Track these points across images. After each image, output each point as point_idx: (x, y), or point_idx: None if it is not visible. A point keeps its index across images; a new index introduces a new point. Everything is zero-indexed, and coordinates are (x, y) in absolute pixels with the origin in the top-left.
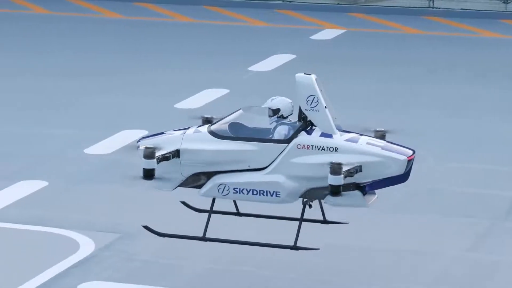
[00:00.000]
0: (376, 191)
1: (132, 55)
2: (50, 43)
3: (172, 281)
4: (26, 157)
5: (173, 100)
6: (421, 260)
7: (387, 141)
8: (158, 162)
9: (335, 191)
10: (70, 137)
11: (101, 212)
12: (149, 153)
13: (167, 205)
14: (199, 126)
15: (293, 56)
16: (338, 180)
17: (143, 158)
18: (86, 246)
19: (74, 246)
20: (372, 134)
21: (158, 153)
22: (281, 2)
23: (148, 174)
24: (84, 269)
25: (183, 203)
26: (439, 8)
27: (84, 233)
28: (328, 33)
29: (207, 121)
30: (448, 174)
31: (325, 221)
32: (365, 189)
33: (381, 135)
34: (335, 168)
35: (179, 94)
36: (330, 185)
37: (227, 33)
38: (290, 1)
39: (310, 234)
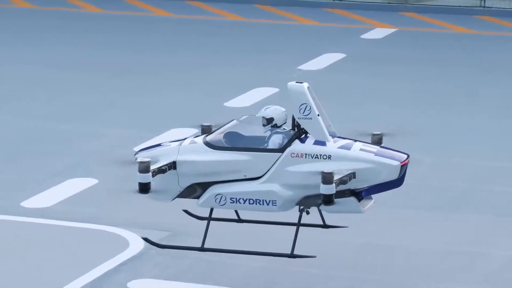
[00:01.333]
0: (374, 196)
1: (181, 53)
2: (100, 41)
3: (222, 279)
4: (76, 155)
5: (223, 98)
6: (472, 260)
7: (382, 146)
8: (154, 175)
9: (327, 200)
10: (120, 135)
11: (151, 209)
12: (144, 168)
13: None
14: (196, 136)
15: (343, 55)
16: (330, 189)
17: (138, 173)
18: (136, 243)
19: (124, 244)
20: (369, 138)
21: (154, 166)
22: (331, 1)
23: (144, 188)
24: (134, 266)
25: (185, 211)
26: (491, 7)
27: (134, 230)
28: (378, 32)
29: (207, 128)
30: (502, 174)
31: (325, 226)
32: (361, 194)
33: (378, 139)
34: (327, 177)
35: (229, 92)
36: (322, 194)
37: (278, 32)
38: (340, 0)
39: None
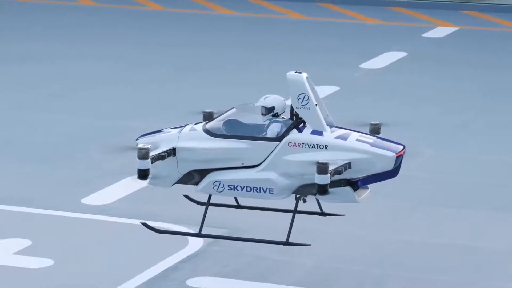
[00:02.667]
0: (371, 186)
1: (243, 52)
2: (161, 39)
3: (281, 277)
4: (134, 153)
5: (284, 96)
6: None
7: (378, 137)
8: (153, 162)
9: (322, 190)
10: None
11: (210, 207)
12: (143, 154)
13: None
14: (196, 123)
15: (404, 54)
16: (325, 179)
17: (137, 159)
18: (195, 241)
19: (183, 241)
20: (368, 127)
21: (153, 153)
22: None
23: (143, 174)
24: (193, 264)
25: (186, 196)
26: None
27: (193, 228)
28: (440, 31)
29: (208, 115)
30: None
31: (322, 213)
32: (357, 184)
33: (377, 128)
34: (322, 168)
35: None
36: (317, 184)
37: (340, 30)
38: None
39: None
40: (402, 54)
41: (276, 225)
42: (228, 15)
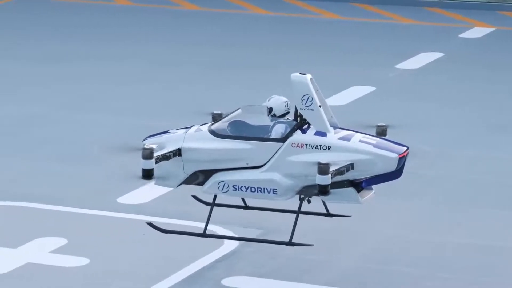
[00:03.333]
0: (375, 187)
1: (278, 52)
2: (197, 38)
3: (316, 278)
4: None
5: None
6: None
7: (382, 138)
8: (158, 162)
9: (323, 190)
10: None
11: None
12: (148, 154)
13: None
14: (202, 124)
15: (440, 55)
16: (326, 180)
17: (141, 159)
18: (230, 241)
19: (218, 241)
20: (374, 129)
21: (158, 153)
22: (429, 0)
23: (147, 174)
24: (228, 264)
25: (194, 197)
26: None
27: (228, 228)
28: (477, 32)
29: (217, 116)
30: None
31: (328, 214)
32: (361, 185)
33: (383, 130)
34: (323, 168)
35: (326, 90)
36: (318, 184)
37: (375, 30)
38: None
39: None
40: (439, 54)
41: (310, 227)
42: (262, 15)
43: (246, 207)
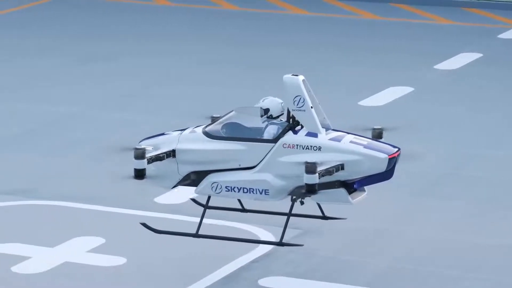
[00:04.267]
0: (367, 188)
1: (316, 52)
2: (238, 38)
3: (353, 278)
4: None
5: (358, 97)
6: None
7: (374, 139)
8: (150, 162)
9: (310, 189)
10: None
11: (282, 208)
12: (139, 154)
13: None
14: (197, 126)
15: (479, 55)
16: (313, 179)
17: (133, 159)
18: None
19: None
20: (370, 132)
21: (151, 154)
22: (468, 0)
23: (139, 174)
24: (265, 264)
25: (193, 200)
26: None
27: (265, 228)
28: None
29: (216, 120)
30: None
31: (324, 217)
32: (353, 186)
33: (378, 133)
34: (310, 167)
35: (364, 91)
36: (305, 184)
37: (414, 31)
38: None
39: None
40: (477, 55)
41: (345, 227)
42: (301, 15)
43: (243, 209)
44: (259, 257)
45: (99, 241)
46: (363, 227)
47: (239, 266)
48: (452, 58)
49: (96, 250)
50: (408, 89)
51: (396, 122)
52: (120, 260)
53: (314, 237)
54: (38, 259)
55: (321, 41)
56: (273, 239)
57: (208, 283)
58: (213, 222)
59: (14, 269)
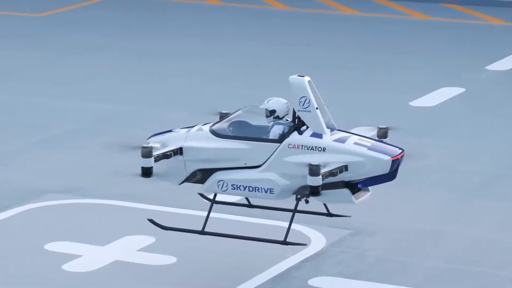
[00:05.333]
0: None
1: (368, 52)
2: (288, 38)
3: (404, 279)
4: None
5: (409, 97)
6: None
7: (379, 141)
8: (157, 160)
9: (314, 191)
10: None
11: (334, 208)
12: (147, 152)
13: (398, 203)
14: (204, 124)
15: None
16: (317, 181)
17: (141, 157)
18: (318, 241)
19: (305, 241)
20: (375, 131)
21: (158, 152)
22: None
23: (146, 172)
24: (315, 264)
25: (201, 195)
26: None
27: (316, 228)
28: None
29: (225, 116)
30: None
31: (329, 214)
32: (357, 186)
33: (384, 133)
34: (313, 170)
35: (415, 92)
36: (309, 186)
37: (466, 31)
38: None
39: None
40: None
41: (399, 226)
42: (352, 15)
43: (249, 205)
44: (309, 256)
45: (149, 240)
46: (414, 227)
47: (289, 265)
48: (504, 59)
49: (146, 249)
50: (459, 90)
51: (446, 122)
52: (170, 259)
53: (366, 237)
54: (89, 257)
55: (372, 41)
56: (323, 240)
57: (258, 283)
58: (260, 222)
59: (65, 267)
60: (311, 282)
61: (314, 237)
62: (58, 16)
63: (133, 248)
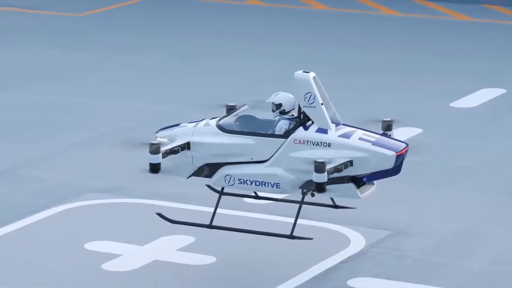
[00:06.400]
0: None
1: (408, 53)
2: (328, 38)
3: (445, 280)
4: None
5: (450, 98)
6: None
7: (383, 135)
8: (166, 156)
9: (319, 188)
10: None
11: (374, 208)
12: (155, 149)
13: (438, 204)
14: (212, 118)
15: None
16: (322, 177)
17: (149, 153)
18: (357, 242)
19: (345, 242)
20: (380, 124)
21: (166, 147)
22: None
23: (154, 168)
24: (354, 265)
25: (208, 186)
26: None
27: (355, 229)
28: None
29: (231, 109)
30: None
31: (335, 206)
32: (362, 180)
33: (388, 125)
34: (319, 167)
35: (456, 93)
36: (314, 182)
37: (506, 33)
38: None
39: None
40: None
41: (440, 227)
42: (392, 15)
43: (257, 196)
44: (348, 257)
45: (188, 240)
46: (454, 228)
47: (328, 266)
48: None
49: (185, 248)
50: (500, 91)
51: (486, 123)
52: (210, 259)
53: (405, 238)
54: (128, 257)
55: (412, 42)
56: (363, 241)
57: (297, 283)
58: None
59: (104, 266)
60: (350, 282)
61: (354, 237)
62: (99, 16)
63: (172, 247)
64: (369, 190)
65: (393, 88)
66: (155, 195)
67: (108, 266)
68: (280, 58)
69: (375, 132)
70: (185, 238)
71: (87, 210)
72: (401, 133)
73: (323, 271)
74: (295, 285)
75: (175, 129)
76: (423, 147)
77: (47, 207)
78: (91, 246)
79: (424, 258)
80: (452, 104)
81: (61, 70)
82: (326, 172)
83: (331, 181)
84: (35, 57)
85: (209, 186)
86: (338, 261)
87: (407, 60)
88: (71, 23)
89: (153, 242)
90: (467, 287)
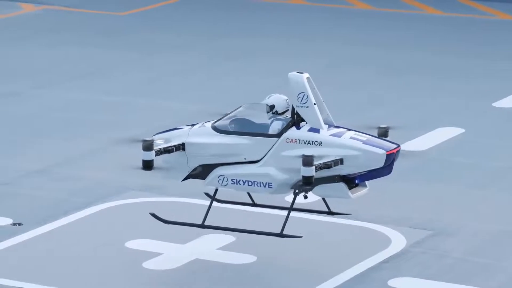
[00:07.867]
0: (368, 183)
1: (451, 53)
2: (373, 38)
3: (485, 281)
4: None
5: (492, 98)
6: None
7: (375, 136)
8: (159, 154)
9: (307, 181)
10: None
11: (414, 208)
12: (147, 145)
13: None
14: (207, 121)
15: None
16: (310, 171)
17: (142, 150)
18: (398, 242)
19: (386, 242)
20: (376, 130)
21: (160, 146)
22: None
23: (147, 165)
24: (395, 264)
25: (207, 194)
26: None
27: (396, 229)
28: None
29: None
30: None
31: (330, 212)
32: (355, 181)
33: (384, 132)
34: (306, 160)
35: (499, 92)
36: (302, 176)
37: None
38: None
39: None
40: None
41: (481, 228)
42: (436, 15)
43: (254, 204)
44: (389, 257)
45: (229, 238)
46: (496, 228)
47: (369, 266)
48: None
49: (226, 247)
50: None
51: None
52: (250, 258)
53: (446, 238)
54: (169, 255)
55: (456, 42)
56: (404, 241)
57: (338, 283)
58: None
59: (145, 265)
60: (390, 282)
61: (394, 237)
62: (141, 15)
63: (213, 246)
64: (361, 191)
65: (436, 88)
66: (196, 194)
67: (149, 264)
68: (320, 58)
69: (367, 133)
70: (226, 237)
71: (128, 209)
72: (443, 133)
73: (363, 271)
74: (335, 285)
75: (172, 132)
76: (465, 147)
77: (88, 205)
78: (132, 244)
79: (464, 258)
80: (494, 104)
81: (101, 69)
82: (314, 166)
83: (322, 180)
84: (75, 56)
85: (207, 194)
86: (379, 261)
87: (450, 59)
88: (112, 22)
89: (194, 241)
90: (508, 287)
